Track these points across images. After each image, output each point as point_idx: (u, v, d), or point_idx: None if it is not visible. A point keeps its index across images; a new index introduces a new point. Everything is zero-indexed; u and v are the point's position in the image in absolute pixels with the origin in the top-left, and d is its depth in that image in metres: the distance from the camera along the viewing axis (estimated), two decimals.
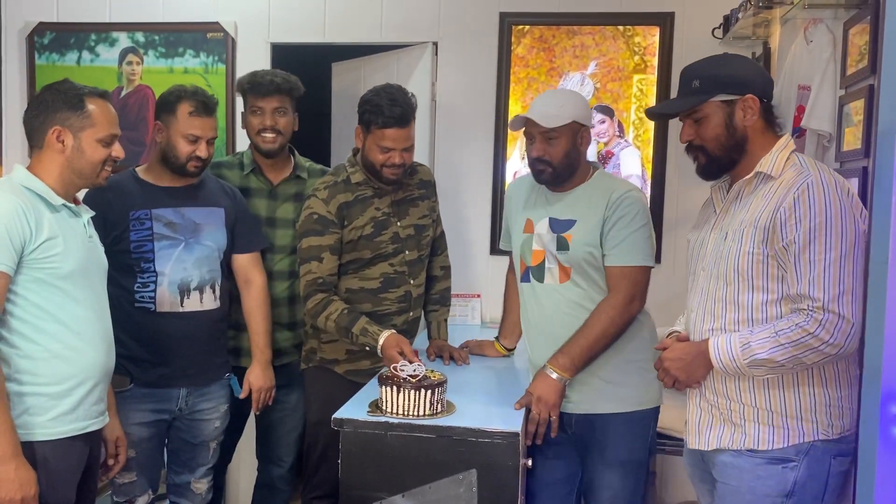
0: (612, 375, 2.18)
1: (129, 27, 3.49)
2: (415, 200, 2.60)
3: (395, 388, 1.95)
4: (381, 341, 2.28)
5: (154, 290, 2.28)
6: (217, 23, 3.45)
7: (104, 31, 3.50)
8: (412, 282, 2.55)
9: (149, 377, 2.30)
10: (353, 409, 2.02)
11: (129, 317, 2.25)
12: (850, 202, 1.67)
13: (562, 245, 2.18)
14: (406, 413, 1.94)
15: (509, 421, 1.96)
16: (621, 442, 2.17)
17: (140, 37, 3.50)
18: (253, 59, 3.44)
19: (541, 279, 2.22)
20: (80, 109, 1.89)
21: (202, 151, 2.31)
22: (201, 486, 2.49)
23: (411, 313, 2.57)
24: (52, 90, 1.93)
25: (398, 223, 2.52)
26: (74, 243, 1.89)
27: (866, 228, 1.67)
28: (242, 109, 2.73)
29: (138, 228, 2.28)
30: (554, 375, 2.11)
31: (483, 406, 2.13)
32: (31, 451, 1.80)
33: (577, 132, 2.17)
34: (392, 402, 1.95)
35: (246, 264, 2.49)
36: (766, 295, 1.74)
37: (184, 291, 2.31)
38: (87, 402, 1.90)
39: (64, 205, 1.90)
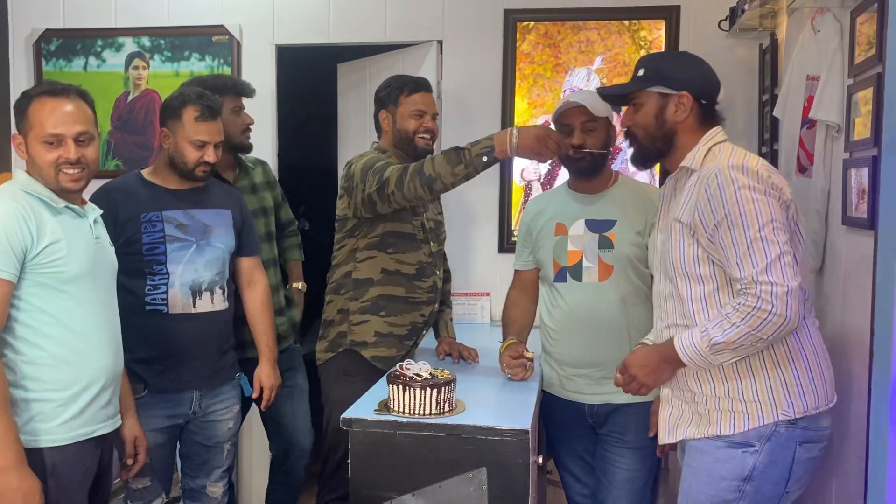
0: None
1: (134, 32, 3.50)
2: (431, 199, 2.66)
3: (402, 386, 1.94)
4: (515, 131, 2.19)
5: (166, 292, 2.27)
6: (222, 26, 3.45)
7: (110, 36, 3.52)
8: (437, 273, 2.60)
9: (162, 382, 2.29)
10: (362, 409, 2.01)
11: (141, 320, 2.24)
12: (756, 181, 1.72)
13: (605, 244, 2.29)
14: (413, 412, 1.94)
15: (519, 418, 1.95)
16: (639, 428, 2.26)
17: (146, 41, 3.51)
18: (258, 61, 3.44)
19: (579, 278, 2.30)
20: (23, 112, 1.83)
21: (210, 156, 2.31)
22: (217, 489, 2.46)
23: (435, 306, 2.60)
24: (21, 95, 1.88)
25: (424, 214, 2.60)
26: (79, 245, 1.86)
27: (786, 199, 1.75)
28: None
29: (150, 231, 2.26)
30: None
31: (493, 404, 2.13)
32: (40, 458, 1.78)
33: (609, 128, 2.33)
34: (400, 401, 1.95)
35: (250, 266, 2.50)
36: (702, 286, 1.80)
37: (196, 292, 2.30)
38: (94, 406, 1.88)
39: (67, 206, 1.87)
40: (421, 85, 2.58)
